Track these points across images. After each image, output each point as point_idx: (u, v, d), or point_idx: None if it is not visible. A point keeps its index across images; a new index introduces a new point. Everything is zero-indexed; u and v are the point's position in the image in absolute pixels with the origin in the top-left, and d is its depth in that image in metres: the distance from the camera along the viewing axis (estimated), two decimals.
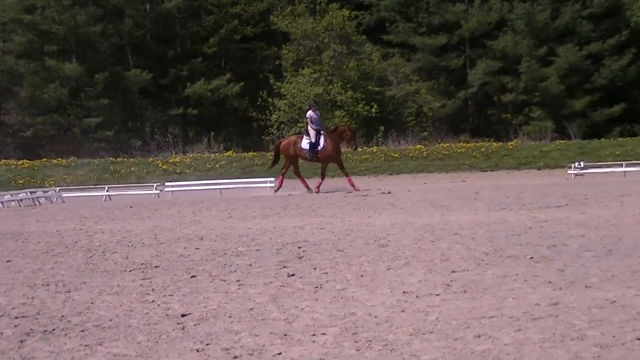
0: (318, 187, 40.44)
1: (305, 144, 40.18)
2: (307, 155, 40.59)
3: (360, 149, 61.73)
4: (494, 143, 63.78)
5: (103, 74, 64.45)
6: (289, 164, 42.17)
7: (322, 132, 40.13)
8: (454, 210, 25.75)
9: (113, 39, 67.45)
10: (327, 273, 14.12)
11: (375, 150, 62.58)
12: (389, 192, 36.80)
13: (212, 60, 69.11)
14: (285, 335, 9.83)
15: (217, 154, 60.92)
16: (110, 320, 11.08)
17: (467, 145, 63.59)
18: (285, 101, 65.61)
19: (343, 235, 19.85)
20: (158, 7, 68.25)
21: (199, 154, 60.46)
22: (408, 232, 19.77)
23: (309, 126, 40.41)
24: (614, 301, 10.70)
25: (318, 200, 33.89)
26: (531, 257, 14.74)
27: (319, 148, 39.52)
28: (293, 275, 14.07)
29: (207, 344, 9.55)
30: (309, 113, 40.80)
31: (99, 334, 10.30)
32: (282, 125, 65.58)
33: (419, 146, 63.43)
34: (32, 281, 14.69)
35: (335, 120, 64.75)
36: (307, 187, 40.91)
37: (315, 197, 35.95)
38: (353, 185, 39.98)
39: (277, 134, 65.97)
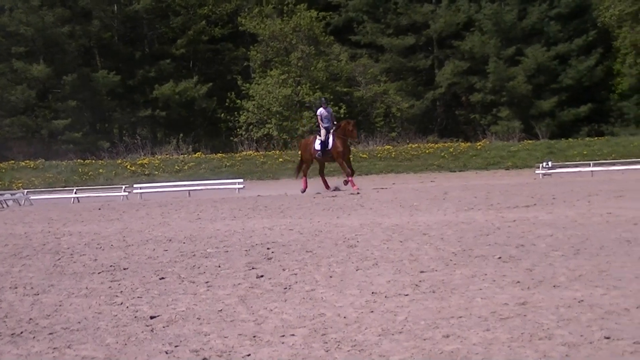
0: (353, 183, 39.22)
1: (317, 144, 39.63)
2: (317, 155, 39.84)
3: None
4: (462, 143, 64.02)
5: (71, 75, 64.40)
6: (308, 164, 41.38)
7: (331, 130, 39.18)
8: (422, 211, 25.81)
9: (81, 41, 67.40)
10: (296, 274, 14.13)
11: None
12: (358, 193, 36.85)
13: (180, 62, 69.20)
14: (254, 336, 9.83)
15: (185, 155, 60.99)
16: (79, 322, 11.06)
17: (436, 145, 63.82)
18: (253, 102, 65.66)
19: (312, 236, 19.88)
20: (126, 9, 68.25)
21: (167, 156, 60.48)
22: (377, 233, 19.81)
23: (320, 124, 39.67)
24: (582, 300, 10.75)
25: (287, 201, 33.90)
26: (499, 257, 14.79)
27: (329, 147, 38.76)
28: (262, 276, 14.07)
29: (176, 346, 9.54)
30: (320, 110, 39.94)
31: (67, 337, 10.28)
32: (251, 127, 65.62)
33: (388, 147, 63.61)
34: (0, 284, 14.66)
35: (304, 121, 64.99)
36: (328, 186, 40.05)
37: (284, 199, 35.88)
38: (354, 185, 38.97)
39: (245, 135, 66.03)
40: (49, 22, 65.38)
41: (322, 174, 41.18)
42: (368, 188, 40.95)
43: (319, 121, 39.30)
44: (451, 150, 61.86)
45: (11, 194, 44.29)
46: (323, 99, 40.88)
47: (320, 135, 38.34)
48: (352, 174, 39.84)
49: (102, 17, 68.93)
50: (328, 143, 37.80)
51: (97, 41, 68.91)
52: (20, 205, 41.63)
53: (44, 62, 64.24)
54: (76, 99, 65.43)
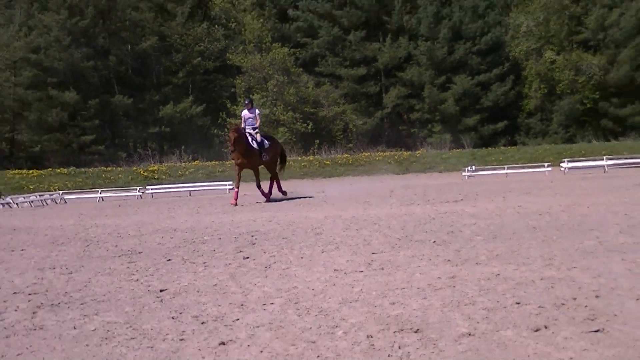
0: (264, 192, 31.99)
1: (255, 145, 32.02)
2: (263, 158, 32.02)
3: (299, 158, 62.08)
4: (405, 152, 63.98)
5: (94, 100, 64.18)
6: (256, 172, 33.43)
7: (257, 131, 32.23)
8: (373, 205, 25.78)
9: (102, 73, 67.08)
10: (274, 256, 14.12)
11: (311, 158, 62.66)
12: (323, 192, 36.72)
13: (180, 89, 68.91)
14: (241, 305, 9.85)
15: (186, 163, 60.77)
16: (104, 295, 11.05)
17: (383, 154, 63.75)
18: (239, 121, 65.32)
19: (286, 226, 19.86)
20: (137, 47, 67.90)
21: (172, 163, 60.32)
22: (338, 223, 19.79)
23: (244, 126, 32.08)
24: (498, 274, 10.79)
25: (264, 199, 33.80)
26: (434, 241, 14.81)
27: (266, 146, 31.85)
28: (247, 258, 14.06)
29: (180, 313, 9.55)
30: (244, 112, 32.24)
31: (95, 306, 10.28)
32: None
33: (346, 155, 63.55)
34: (41, 265, 14.62)
35: (279, 135, 64.83)
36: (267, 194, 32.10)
37: (258, 196, 35.74)
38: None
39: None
40: (76, 58, 65.01)
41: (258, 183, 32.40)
42: (331, 188, 40.85)
43: (243, 123, 31.66)
44: (396, 157, 61.84)
45: (49, 195, 44.02)
46: (247, 100, 33.49)
47: (254, 138, 31.06)
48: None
49: (118, 54, 68.53)
50: (265, 143, 31.42)
51: (115, 73, 68.51)
52: (56, 203, 41.38)
53: (73, 90, 63.86)
54: (99, 119, 65.12)
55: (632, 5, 67.39)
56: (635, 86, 66.66)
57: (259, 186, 31.19)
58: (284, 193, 31.98)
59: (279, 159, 33.14)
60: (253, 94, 66.56)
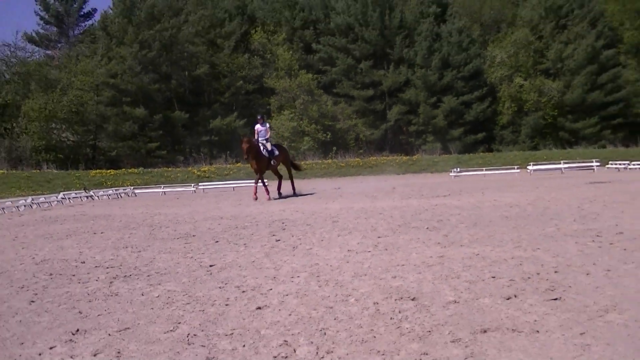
0: (267, 191, 30.57)
1: (265, 153, 30.71)
2: (272, 163, 30.83)
3: (320, 161, 62.12)
4: (404, 157, 63.75)
5: (158, 115, 64.14)
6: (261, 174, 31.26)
7: (269, 142, 30.94)
8: (379, 199, 25.72)
9: (165, 93, 66.99)
10: (300, 239, 14.10)
11: (329, 162, 62.48)
12: (339, 188, 36.67)
13: (226, 106, 68.68)
14: (274, 277, 9.85)
15: (231, 164, 60.65)
16: (165, 269, 11.07)
17: (387, 158, 63.55)
18: (273, 131, 65.41)
19: (310, 215, 19.82)
20: (193, 73, 67.79)
21: (219, 165, 60.23)
22: (350, 213, 19.75)
23: (257, 138, 30.35)
24: (478, 254, 10.76)
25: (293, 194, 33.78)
26: (427, 228, 14.76)
27: (276, 154, 30.76)
28: (279, 240, 14.05)
29: (225, 284, 9.57)
30: (257, 126, 30.37)
31: (158, 278, 10.31)
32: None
33: (357, 159, 63.33)
34: (117, 245, 14.65)
35: (304, 143, 64.88)
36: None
37: (288, 190, 35.67)
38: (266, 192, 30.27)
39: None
40: (145, 82, 64.99)
41: (263, 181, 30.95)
42: (345, 185, 40.77)
43: (256, 135, 30.02)
44: (397, 161, 61.62)
45: (123, 189, 44.06)
46: (259, 116, 31.82)
47: (265, 147, 29.94)
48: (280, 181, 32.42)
49: (177, 79, 68.44)
50: (274, 151, 30.33)
51: (175, 93, 68.42)
52: (128, 196, 41.43)
53: (142, 107, 63.92)
54: (162, 130, 65.03)
55: (583, 42, 67.74)
56: (586, 105, 66.86)
57: (263, 184, 30.42)
58: (280, 194, 30.18)
59: (291, 165, 32.46)
60: (284, 110, 66.54)
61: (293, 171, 33.10)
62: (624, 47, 71.58)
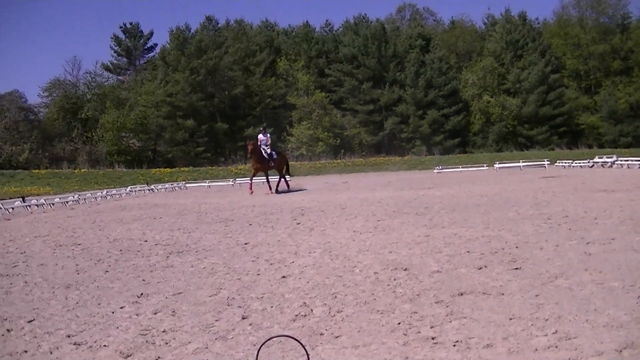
0: (269, 188, 29.72)
1: (265, 155, 29.56)
2: (270, 164, 29.76)
3: (331, 161, 62.25)
4: (398, 157, 63.70)
5: (205, 126, 64.28)
6: (256, 172, 30.44)
7: (268, 149, 29.78)
8: (377, 191, 25.68)
9: (209, 109, 66.96)
10: (315, 222, 14.09)
11: (339, 161, 62.54)
12: (346, 182, 36.66)
13: (258, 118, 68.35)
14: (295, 253, 9.83)
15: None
16: (210, 246, 11.07)
17: (385, 158, 63.46)
18: (294, 137, 65.44)
19: (323, 203, 19.82)
20: (231, 93, 67.84)
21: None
22: (355, 202, 19.73)
23: (260, 145, 29.61)
24: (456, 234, 10.70)
25: (310, 187, 33.74)
26: (416, 213, 14.71)
27: (274, 157, 29.74)
28: (299, 223, 14.03)
29: (257, 258, 9.55)
30: (260, 136, 30.05)
31: (204, 253, 10.30)
32: (293, 150, 65.51)
33: (361, 159, 63.34)
34: (172, 227, 14.66)
35: (318, 147, 65.01)
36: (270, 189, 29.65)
37: (309, 185, 35.66)
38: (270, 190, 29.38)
39: (291, 154, 66.04)
40: (194, 100, 65.07)
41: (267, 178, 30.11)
42: (351, 180, 40.74)
43: (259, 142, 29.34)
44: (392, 161, 61.55)
45: (177, 184, 44.14)
46: (261, 127, 32.11)
47: (266, 152, 29.13)
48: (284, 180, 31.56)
49: (219, 97, 68.37)
50: (273, 155, 29.54)
51: (217, 109, 68.36)
52: (181, 189, 41.50)
53: (192, 119, 64.16)
54: (207, 137, 65.18)
55: (535, 68, 68.24)
56: (538, 117, 67.17)
57: (267, 182, 29.69)
58: (277, 191, 29.22)
59: (285, 167, 31.49)
60: (302, 122, 66.57)
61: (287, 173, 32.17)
62: (566, 72, 72.79)
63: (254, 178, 30.48)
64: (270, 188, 29.24)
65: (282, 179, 31.29)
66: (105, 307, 6.77)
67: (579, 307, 5.69)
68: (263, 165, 28.93)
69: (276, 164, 30.09)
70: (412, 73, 69.76)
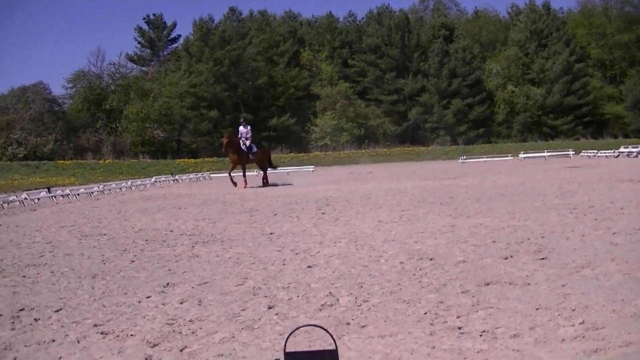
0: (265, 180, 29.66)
1: (244, 148, 28.53)
2: (250, 156, 28.58)
3: (355, 151, 62.31)
4: (422, 147, 63.65)
5: (229, 116, 64.42)
6: (235, 165, 28.79)
7: (249, 142, 28.44)
8: (402, 181, 25.66)
9: (233, 99, 67.12)
10: (340, 212, 14.09)
11: (363, 151, 62.65)
12: (371, 172, 36.63)
13: (281, 108, 68.59)
14: (320, 242, 9.84)
15: (285, 154, 60.86)
16: (235, 236, 11.11)
17: (409, 148, 63.52)
18: (318, 128, 65.52)
19: (348, 193, 19.81)
20: (255, 83, 67.90)
21: (276, 155, 60.47)
22: (380, 192, 19.71)
23: (240, 138, 28.65)
24: (481, 224, 10.67)
25: (334, 177, 33.74)
26: (441, 203, 14.67)
27: (254, 150, 28.50)
28: (324, 213, 14.04)
29: (282, 247, 9.57)
30: (240, 128, 28.97)
31: (229, 243, 10.34)
32: (317, 140, 65.69)
33: (385, 149, 63.38)
34: (197, 217, 14.73)
35: (342, 137, 65.08)
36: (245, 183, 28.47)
37: (332, 175, 35.65)
38: (265, 180, 29.40)
39: (315, 144, 66.03)
40: (218, 90, 65.29)
41: (244, 173, 28.71)
42: (376, 170, 40.71)
43: (239, 135, 28.40)
44: (417, 151, 61.62)
45: (201, 174, 44.41)
46: (242, 119, 30.89)
47: (245, 144, 27.86)
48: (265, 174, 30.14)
49: (243, 88, 68.50)
50: (253, 148, 28.30)
51: (241, 99, 68.55)
52: (205, 180, 41.72)
53: (216, 110, 64.43)
54: (231, 128, 65.27)
55: (560, 57, 67.81)
56: (563, 107, 66.84)
57: (244, 175, 28.40)
58: (265, 184, 28.61)
59: (267, 161, 30.04)
60: (326, 112, 66.59)
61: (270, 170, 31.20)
62: (591, 61, 72.47)
63: (232, 172, 28.65)
64: (246, 182, 28.21)
65: (264, 173, 30.12)
66: (132, 297, 6.80)
67: (605, 297, 5.64)
68: (241, 158, 28.03)
69: (256, 158, 29.08)
70: (435, 63, 69.52)
